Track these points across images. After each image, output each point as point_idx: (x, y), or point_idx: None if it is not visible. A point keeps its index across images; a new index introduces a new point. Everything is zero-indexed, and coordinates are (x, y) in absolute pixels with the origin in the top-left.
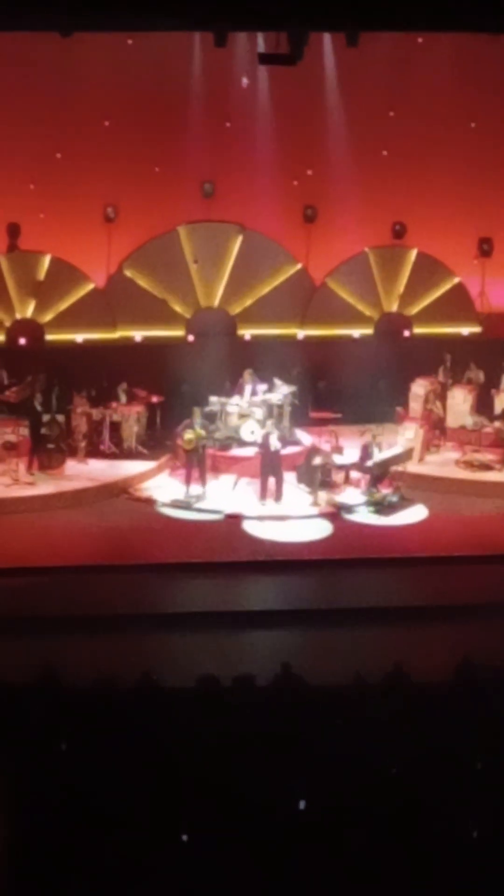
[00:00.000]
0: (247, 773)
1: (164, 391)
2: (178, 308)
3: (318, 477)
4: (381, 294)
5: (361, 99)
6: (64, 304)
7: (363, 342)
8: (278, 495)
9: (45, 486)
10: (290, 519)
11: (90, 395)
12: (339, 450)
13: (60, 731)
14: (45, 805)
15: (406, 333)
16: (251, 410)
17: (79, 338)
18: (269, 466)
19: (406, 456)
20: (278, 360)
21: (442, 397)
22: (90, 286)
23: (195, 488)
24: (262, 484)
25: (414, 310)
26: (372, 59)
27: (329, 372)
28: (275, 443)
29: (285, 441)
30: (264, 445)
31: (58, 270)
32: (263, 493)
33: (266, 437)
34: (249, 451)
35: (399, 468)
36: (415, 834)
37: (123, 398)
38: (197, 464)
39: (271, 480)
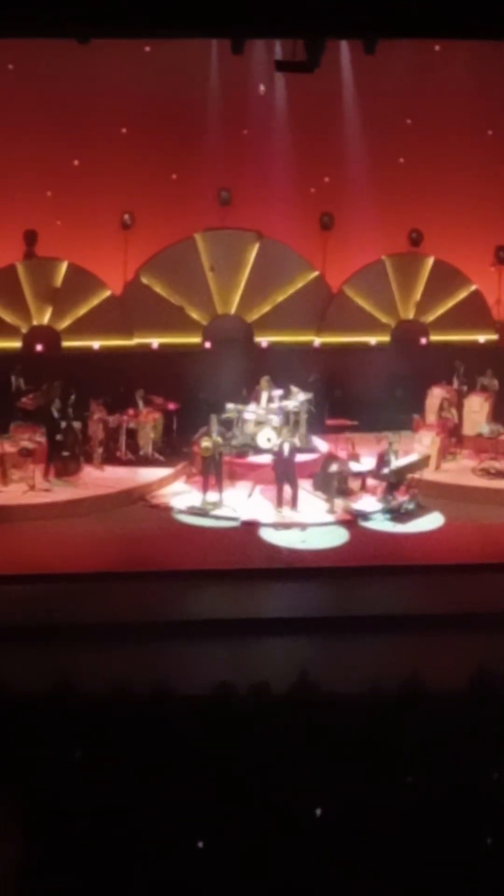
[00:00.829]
0: (263, 781)
1: (181, 398)
2: (194, 315)
3: (335, 484)
4: (397, 301)
5: (378, 106)
6: (81, 311)
7: (380, 350)
8: (294, 503)
9: (61, 493)
10: (307, 526)
11: (107, 401)
12: (355, 457)
13: (76, 739)
14: (60, 814)
15: (423, 341)
16: (268, 418)
17: (95, 345)
18: (283, 474)
19: (422, 464)
20: (295, 367)
21: (458, 405)
22: (107, 293)
23: (212, 495)
24: (278, 492)
25: (430, 317)
26: (389, 66)
27: (345, 379)
28: (287, 449)
29: (300, 449)
30: (278, 453)
31: (75, 277)
32: (280, 501)
33: (280, 444)
34: (266, 459)
35: (415, 476)
36: (430, 841)
37: (140, 405)
38: (214, 471)
39: (287, 489)
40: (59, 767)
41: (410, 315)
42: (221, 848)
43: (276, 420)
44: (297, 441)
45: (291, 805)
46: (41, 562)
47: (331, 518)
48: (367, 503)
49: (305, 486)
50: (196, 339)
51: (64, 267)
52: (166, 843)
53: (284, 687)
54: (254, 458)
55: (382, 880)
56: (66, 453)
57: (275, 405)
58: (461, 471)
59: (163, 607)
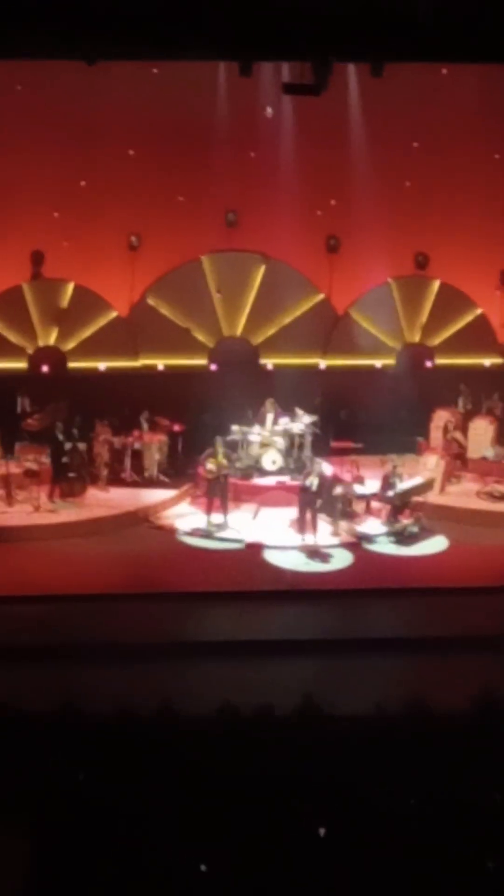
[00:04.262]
0: (267, 802)
1: (186, 420)
2: (200, 337)
3: (339, 507)
4: (403, 324)
5: (385, 130)
6: (87, 332)
7: (385, 372)
8: (314, 528)
9: (66, 514)
10: (311, 548)
11: (112, 423)
12: (360, 480)
13: (80, 759)
14: (64, 833)
15: (428, 364)
16: (273, 440)
17: (101, 366)
18: (306, 505)
19: (427, 486)
20: (300, 389)
21: (463, 428)
22: (113, 314)
23: (216, 517)
24: (300, 520)
25: (436, 340)
26: (396, 89)
27: (351, 402)
28: (314, 485)
29: (324, 480)
30: (305, 487)
31: (81, 298)
32: (302, 528)
33: (307, 475)
34: (271, 481)
35: (420, 498)
36: (432, 863)
37: (145, 426)
38: (219, 493)
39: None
40: (64, 788)
41: (416, 338)
42: (224, 870)
43: (280, 442)
44: (302, 461)
45: (295, 826)
46: (46, 582)
47: (335, 540)
48: (372, 526)
49: None
50: (202, 361)
51: (70, 288)
52: (169, 865)
53: (288, 709)
54: (258, 480)
55: None
56: (71, 474)
57: (279, 427)
58: (466, 494)
59: (167, 628)
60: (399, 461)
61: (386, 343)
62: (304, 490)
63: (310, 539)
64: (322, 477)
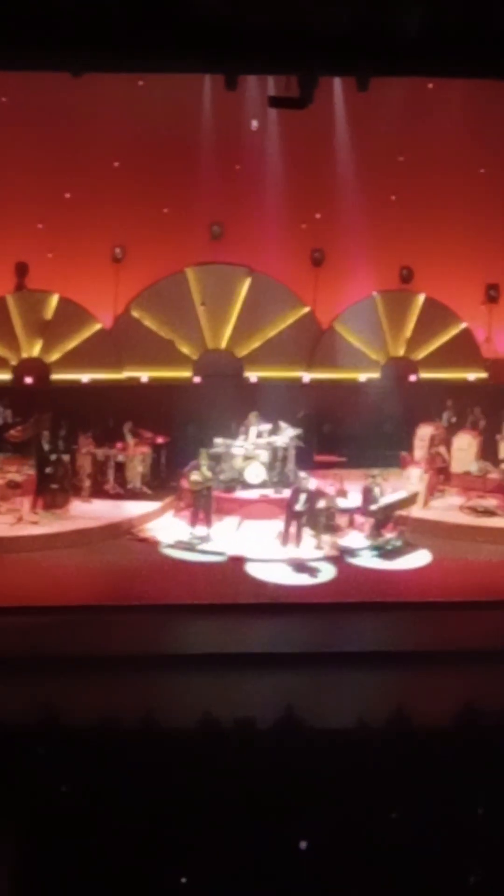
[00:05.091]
0: (247, 815)
1: (170, 432)
2: (184, 349)
3: (322, 520)
4: (387, 338)
5: (370, 143)
6: (71, 344)
7: (369, 386)
8: (298, 541)
9: (49, 526)
10: (294, 562)
11: (95, 435)
12: (343, 493)
13: (62, 771)
14: (46, 846)
15: (412, 378)
16: (256, 453)
17: (85, 378)
18: (292, 518)
19: (410, 500)
20: (284, 402)
21: (447, 442)
22: (97, 326)
23: (199, 530)
24: (285, 531)
25: (420, 354)
26: (382, 103)
27: (334, 415)
28: (302, 504)
29: (312, 495)
30: (291, 505)
31: (65, 310)
32: (286, 539)
33: (296, 492)
34: (254, 494)
35: (403, 512)
36: (415, 878)
37: (129, 438)
38: (203, 505)
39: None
40: (47, 800)
41: (400, 352)
42: (205, 882)
43: (264, 455)
44: (286, 474)
45: (276, 839)
46: (28, 594)
47: (318, 554)
48: (355, 539)
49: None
50: (186, 374)
51: (54, 300)
52: (150, 876)
53: (270, 722)
54: (241, 493)
55: None
56: (54, 486)
57: (263, 440)
58: (449, 508)
59: (149, 641)
60: (381, 475)
61: (370, 357)
62: (290, 507)
63: (292, 552)
64: (308, 492)
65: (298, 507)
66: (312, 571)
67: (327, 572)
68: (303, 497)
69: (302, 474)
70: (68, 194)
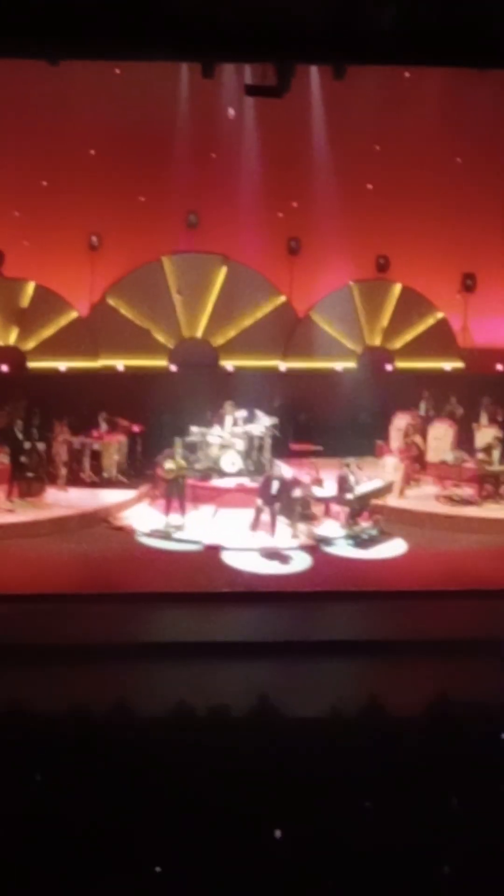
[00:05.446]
0: (221, 803)
1: (146, 420)
2: (160, 338)
3: (298, 509)
4: (364, 328)
5: (347, 132)
6: (47, 332)
7: (345, 375)
8: (273, 530)
9: (24, 514)
10: (270, 550)
11: (71, 423)
12: (318, 482)
13: (34, 760)
14: (17, 833)
15: (388, 367)
16: (232, 441)
17: (61, 366)
18: (266, 506)
19: (386, 490)
20: (260, 391)
21: (422, 432)
22: (73, 314)
23: (174, 518)
24: (255, 517)
25: (397, 344)
26: (358, 92)
27: (310, 404)
28: (276, 487)
29: (285, 484)
30: (266, 488)
31: (41, 298)
32: (256, 526)
33: (269, 479)
34: (229, 482)
35: (379, 501)
36: (388, 867)
37: (104, 427)
38: (177, 494)
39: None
40: (20, 788)
41: (377, 341)
42: (179, 872)
43: (239, 444)
44: (262, 463)
45: (250, 828)
46: (2, 582)
47: (294, 543)
48: (330, 528)
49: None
50: (162, 362)
51: (31, 288)
52: (123, 865)
53: (244, 710)
54: (217, 482)
55: None
56: (29, 474)
57: (239, 429)
58: (425, 497)
59: (123, 629)
60: (356, 463)
61: (346, 346)
62: (263, 490)
63: (268, 540)
64: (282, 479)
65: (273, 492)
66: (288, 560)
67: (303, 561)
68: (276, 483)
69: (276, 462)
70: (44, 182)
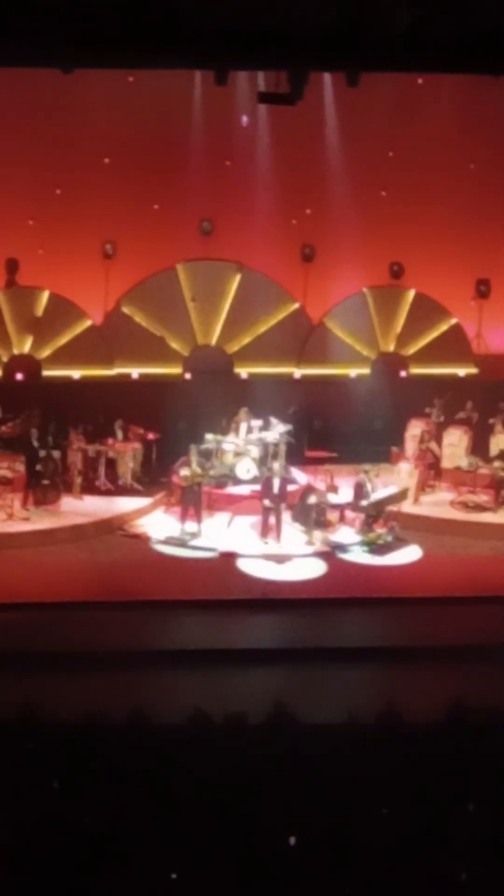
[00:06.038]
0: (238, 811)
1: (161, 428)
2: (175, 345)
3: (313, 516)
4: (378, 334)
5: (361, 139)
6: (61, 341)
7: (360, 382)
8: (278, 535)
9: (39, 522)
10: (285, 557)
11: (86, 431)
12: (334, 489)
13: (51, 768)
14: (35, 842)
15: (402, 374)
16: (247, 449)
17: (76, 374)
18: (270, 509)
19: (401, 496)
20: (275, 398)
21: (437, 438)
22: (88, 322)
23: (190, 525)
24: (263, 523)
25: (411, 350)
26: (372, 99)
27: (325, 411)
28: (277, 485)
29: (285, 482)
30: (267, 487)
31: (56, 306)
32: (265, 532)
33: (269, 479)
34: (245, 489)
35: (394, 508)
36: (405, 874)
37: (119, 435)
38: (192, 501)
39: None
40: (37, 796)
41: (391, 348)
42: (196, 879)
43: (255, 451)
44: (278, 470)
45: (265, 835)
46: (18, 590)
47: (309, 550)
48: (346, 535)
49: (285, 517)
50: (176, 370)
51: (45, 296)
52: (140, 872)
53: (261, 717)
54: (232, 489)
55: None
56: (45, 482)
57: (254, 436)
58: (439, 504)
59: (139, 637)
60: (373, 470)
61: (360, 352)
62: (265, 489)
63: (282, 547)
64: (281, 478)
65: (275, 491)
66: (303, 567)
67: (318, 568)
68: (276, 482)
69: (290, 469)
70: (59, 190)
